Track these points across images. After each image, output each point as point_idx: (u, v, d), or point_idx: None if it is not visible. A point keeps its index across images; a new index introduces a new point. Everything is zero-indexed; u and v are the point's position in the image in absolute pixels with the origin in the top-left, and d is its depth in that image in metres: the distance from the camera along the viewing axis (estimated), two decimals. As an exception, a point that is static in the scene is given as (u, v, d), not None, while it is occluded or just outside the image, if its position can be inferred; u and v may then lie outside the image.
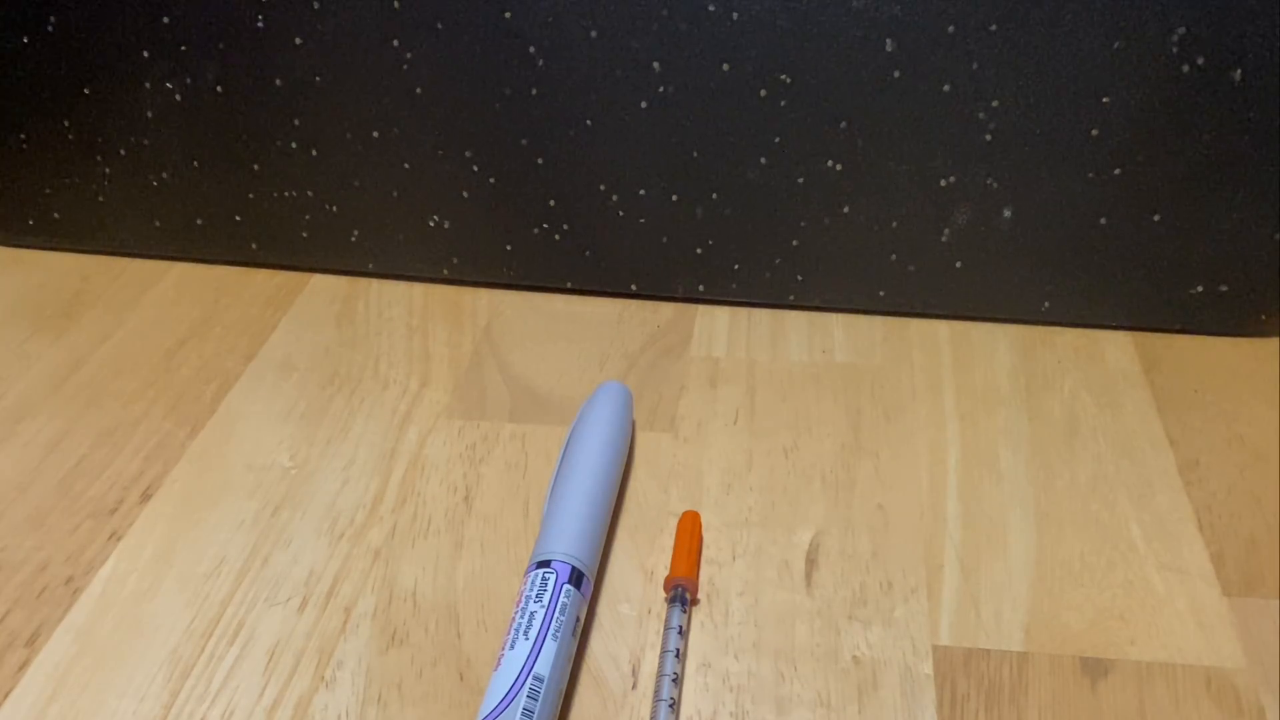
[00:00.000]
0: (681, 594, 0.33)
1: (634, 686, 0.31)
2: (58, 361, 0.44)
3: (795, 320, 0.46)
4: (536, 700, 0.28)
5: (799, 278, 0.45)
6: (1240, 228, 0.41)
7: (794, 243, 0.44)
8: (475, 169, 0.44)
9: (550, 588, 0.31)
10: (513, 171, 0.44)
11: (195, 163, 0.45)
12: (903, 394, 0.42)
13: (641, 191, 0.43)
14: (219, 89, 0.43)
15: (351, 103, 0.43)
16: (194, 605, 0.34)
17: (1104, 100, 0.39)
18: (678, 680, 0.31)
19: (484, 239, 0.46)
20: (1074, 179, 0.41)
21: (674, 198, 0.43)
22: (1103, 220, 0.42)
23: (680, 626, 0.32)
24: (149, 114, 0.44)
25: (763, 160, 0.42)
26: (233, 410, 0.41)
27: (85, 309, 0.47)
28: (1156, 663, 0.32)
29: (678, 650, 0.31)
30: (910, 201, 0.42)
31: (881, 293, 0.45)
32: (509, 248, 0.46)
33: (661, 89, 0.41)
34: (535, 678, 0.29)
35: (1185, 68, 0.38)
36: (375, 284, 0.48)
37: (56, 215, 0.48)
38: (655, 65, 0.40)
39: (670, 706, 0.30)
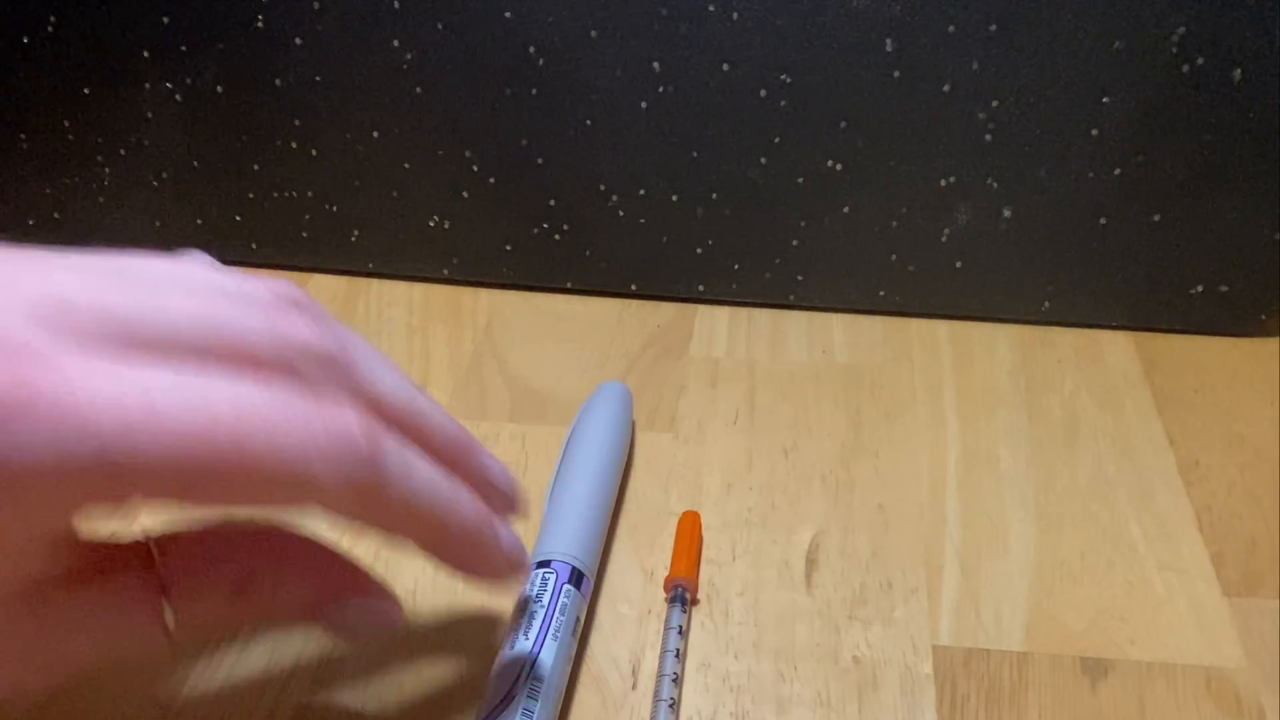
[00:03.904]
0: (681, 594, 0.33)
1: (634, 686, 0.31)
2: (58, 361, 0.44)
3: (795, 320, 0.46)
4: (536, 700, 0.28)
5: (799, 278, 0.45)
6: (1240, 228, 0.41)
7: (794, 243, 0.44)
8: (475, 169, 0.44)
9: (550, 588, 0.31)
10: (513, 171, 0.44)
11: (195, 163, 0.45)
12: (903, 394, 0.42)
13: (641, 191, 0.43)
14: (219, 89, 0.43)
15: (351, 103, 0.43)
16: (194, 605, 0.34)
17: (1104, 100, 0.39)
18: (678, 680, 0.31)
19: (484, 239, 0.46)
20: (1074, 179, 0.41)
21: (674, 198, 0.43)
22: (1103, 220, 0.42)
23: (680, 626, 0.32)
24: (149, 114, 0.44)
25: (763, 160, 0.42)
26: (233, 410, 0.41)
27: (85, 309, 0.47)
28: (1156, 663, 0.32)
29: (678, 650, 0.31)
30: (910, 201, 0.42)
31: (881, 293, 0.45)
32: (509, 248, 0.46)
33: (661, 89, 0.41)
34: (535, 678, 0.29)
35: (1185, 68, 0.38)
36: (375, 284, 0.48)
37: (56, 215, 0.48)
38: (655, 65, 0.40)
39: (670, 706, 0.30)
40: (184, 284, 0.22)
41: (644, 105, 0.41)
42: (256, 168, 0.45)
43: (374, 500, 0.22)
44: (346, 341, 0.24)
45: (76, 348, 0.19)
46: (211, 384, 0.20)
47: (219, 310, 0.21)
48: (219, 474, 0.19)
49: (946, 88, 0.40)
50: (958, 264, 0.44)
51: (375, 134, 0.44)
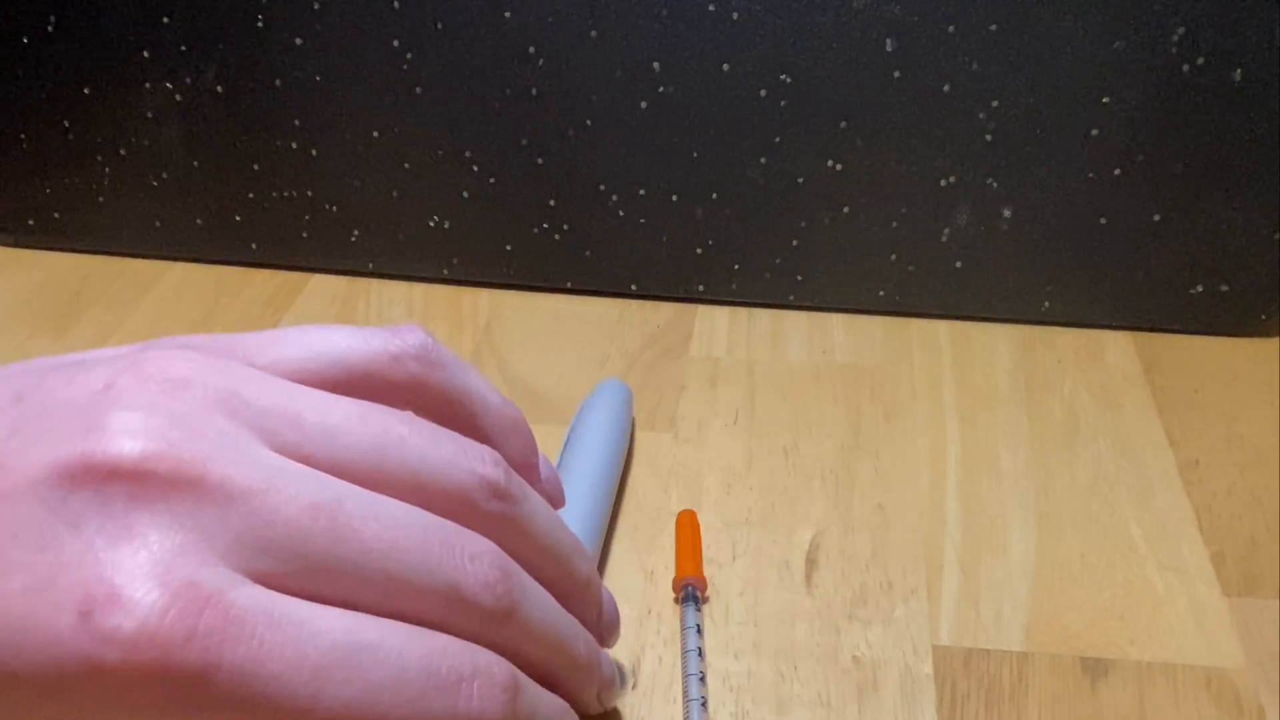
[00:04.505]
0: (693, 593, 0.33)
1: (634, 686, 0.31)
2: (58, 361, 0.44)
3: (795, 320, 0.46)
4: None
5: (799, 278, 0.45)
6: (1240, 228, 0.41)
7: (794, 243, 0.44)
8: (475, 169, 0.44)
9: (550, 588, 0.31)
10: (513, 171, 0.44)
11: (195, 163, 0.45)
12: (903, 394, 0.42)
13: (641, 191, 0.43)
14: (219, 89, 0.43)
15: (351, 103, 0.43)
16: (194, 605, 0.34)
17: (1104, 100, 0.39)
18: (704, 679, 0.30)
19: (484, 239, 0.46)
20: (1074, 179, 0.41)
21: (674, 198, 0.43)
22: (1103, 220, 0.42)
23: (698, 625, 0.32)
24: (149, 114, 0.44)
25: (763, 160, 0.42)
26: (233, 410, 0.41)
27: (85, 309, 0.47)
28: (1156, 663, 0.32)
29: (699, 649, 0.31)
30: (910, 201, 0.42)
31: (881, 293, 0.45)
32: (509, 248, 0.46)
33: (661, 89, 0.41)
34: (535, 678, 0.29)
35: (1185, 68, 0.38)
36: (375, 284, 0.48)
37: (56, 215, 0.48)
38: (655, 65, 0.40)
39: (703, 705, 0.29)
40: (394, 486, 0.22)
41: (644, 105, 0.41)
42: (256, 168, 0.45)
43: None
44: (521, 516, 0.24)
45: (261, 582, 0.19)
46: (379, 644, 0.20)
47: (408, 548, 0.21)
48: None
49: (946, 88, 0.40)
50: (958, 264, 0.44)
51: (375, 134, 0.44)
